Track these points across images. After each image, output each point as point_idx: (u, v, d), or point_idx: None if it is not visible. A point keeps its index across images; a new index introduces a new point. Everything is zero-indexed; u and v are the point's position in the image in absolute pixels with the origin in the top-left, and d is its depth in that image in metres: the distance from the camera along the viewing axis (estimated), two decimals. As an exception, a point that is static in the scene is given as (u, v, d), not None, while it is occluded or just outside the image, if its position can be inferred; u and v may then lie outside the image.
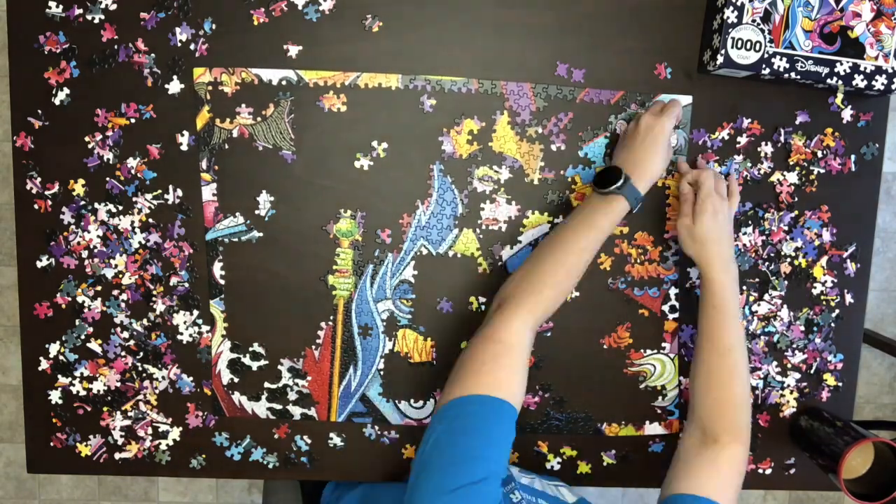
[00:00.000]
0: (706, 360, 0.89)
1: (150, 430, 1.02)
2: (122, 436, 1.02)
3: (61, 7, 0.93)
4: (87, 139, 0.96)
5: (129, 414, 1.02)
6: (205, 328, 1.00)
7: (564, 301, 1.00)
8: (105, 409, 1.01)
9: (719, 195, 0.91)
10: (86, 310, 0.99)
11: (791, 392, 1.04)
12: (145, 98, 0.95)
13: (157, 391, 1.01)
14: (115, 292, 0.99)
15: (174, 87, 0.95)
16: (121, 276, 0.98)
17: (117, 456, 1.03)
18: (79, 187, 0.96)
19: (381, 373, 1.01)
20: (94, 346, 1.00)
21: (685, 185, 0.93)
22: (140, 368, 1.00)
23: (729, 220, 0.92)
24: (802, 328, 1.02)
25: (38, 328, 1.00)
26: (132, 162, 0.96)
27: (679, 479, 0.84)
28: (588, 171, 0.98)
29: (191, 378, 1.01)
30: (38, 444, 1.03)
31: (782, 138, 0.98)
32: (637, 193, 0.88)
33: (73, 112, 0.95)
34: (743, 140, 0.98)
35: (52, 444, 1.02)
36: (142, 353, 1.00)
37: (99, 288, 0.99)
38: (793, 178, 0.99)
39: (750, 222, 1.00)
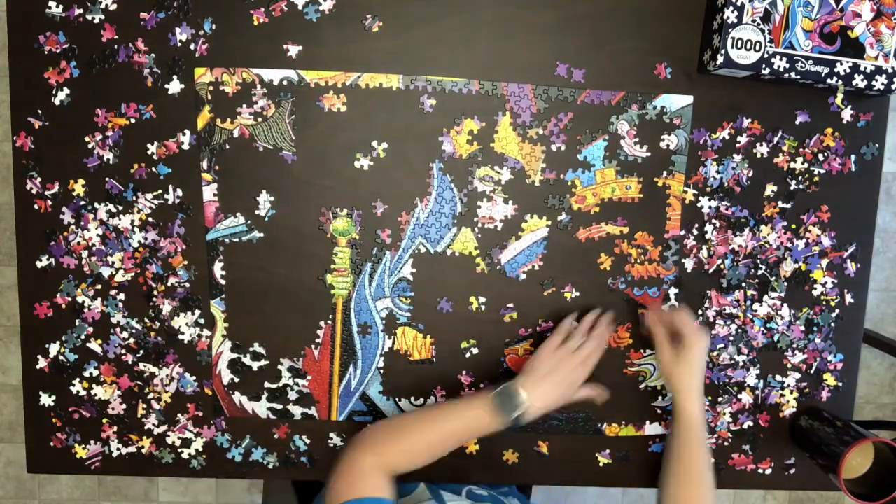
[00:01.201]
0: (679, 486, 0.92)
1: (150, 430, 1.02)
2: (120, 437, 1.02)
3: (61, 7, 0.93)
4: (87, 139, 0.96)
5: (130, 413, 1.02)
6: (206, 332, 1.00)
7: (565, 301, 1.00)
8: (104, 410, 1.01)
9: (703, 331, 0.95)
10: (86, 310, 0.99)
11: (791, 392, 1.04)
12: (145, 98, 0.95)
13: (157, 391, 1.01)
14: (115, 292, 0.99)
15: (174, 87, 0.95)
16: (121, 276, 0.98)
17: (116, 452, 1.03)
18: (79, 187, 0.96)
19: (381, 371, 1.01)
20: (94, 346, 1.00)
21: (658, 326, 0.97)
22: (141, 367, 1.00)
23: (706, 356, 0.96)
24: (802, 328, 1.02)
25: (38, 328, 1.00)
26: (132, 162, 0.96)
27: None
28: (588, 174, 0.98)
29: (193, 378, 1.01)
30: (38, 444, 1.03)
31: (776, 139, 0.98)
32: (520, 423, 0.88)
33: (73, 112, 0.95)
34: (743, 140, 0.98)
35: (51, 444, 1.02)
36: (142, 353, 1.00)
37: (99, 287, 0.99)
38: (793, 181, 0.99)
39: (749, 225, 1.00)
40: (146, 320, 0.99)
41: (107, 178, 0.96)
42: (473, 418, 0.87)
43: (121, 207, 0.97)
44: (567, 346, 0.92)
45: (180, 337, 1.00)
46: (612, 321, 0.98)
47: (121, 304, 0.99)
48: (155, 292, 0.99)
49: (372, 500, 0.78)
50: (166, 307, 0.99)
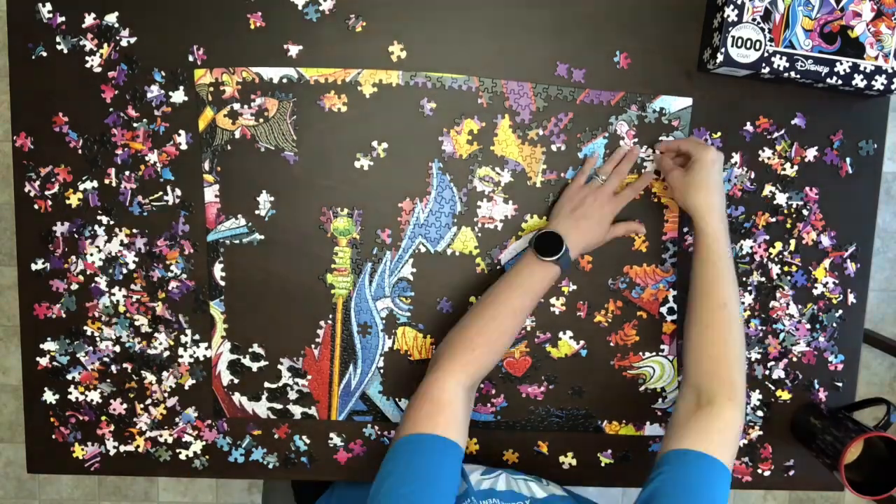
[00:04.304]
0: (700, 317, 0.87)
1: (149, 431, 1.02)
2: (117, 435, 1.02)
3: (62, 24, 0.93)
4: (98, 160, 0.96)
5: (130, 413, 1.02)
6: (202, 344, 1.00)
7: (560, 292, 1.00)
8: (104, 413, 1.01)
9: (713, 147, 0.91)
10: (85, 310, 0.99)
11: (790, 388, 1.04)
12: (151, 114, 0.95)
13: (155, 391, 1.01)
14: (115, 294, 0.99)
15: (178, 96, 0.95)
16: (120, 277, 0.98)
17: (114, 450, 1.03)
18: (78, 196, 0.96)
19: (381, 371, 1.01)
20: (94, 345, 1.00)
21: (665, 158, 0.96)
22: (142, 367, 1.00)
23: (721, 173, 0.91)
24: (808, 325, 1.02)
25: (38, 328, 1.00)
26: (132, 162, 0.96)
27: (676, 438, 0.81)
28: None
29: (194, 380, 1.01)
30: (38, 444, 1.03)
31: (773, 139, 0.98)
32: (570, 262, 0.90)
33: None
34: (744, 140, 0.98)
35: (52, 441, 1.02)
36: (142, 354, 1.00)
37: (101, 287, 0.99)
38: (792, 183, 0.99)
39: (750, 227, 0.99)
40: (146, 321, 0.99)
41: (107, 179, 0.96)
42: (529, 282, 0.89)
43: (121, 209, 0.97)
44: (591, 183, 0.95)
45: (182, 339, 1.00)
46: (637, 155, 0.97)
47: (122, 305, 0.99)
48: (154, 295, 0.98)
49: (442, 441, 0.76)
50: (166, 310, 0.99)
